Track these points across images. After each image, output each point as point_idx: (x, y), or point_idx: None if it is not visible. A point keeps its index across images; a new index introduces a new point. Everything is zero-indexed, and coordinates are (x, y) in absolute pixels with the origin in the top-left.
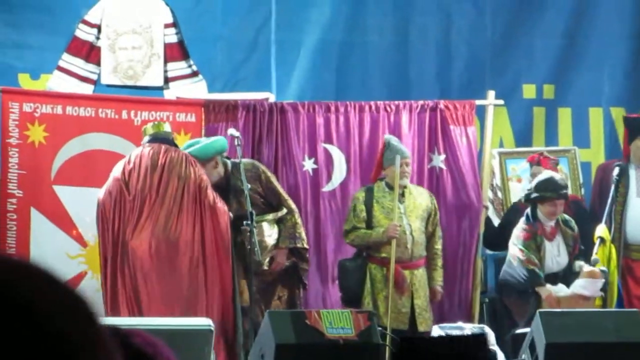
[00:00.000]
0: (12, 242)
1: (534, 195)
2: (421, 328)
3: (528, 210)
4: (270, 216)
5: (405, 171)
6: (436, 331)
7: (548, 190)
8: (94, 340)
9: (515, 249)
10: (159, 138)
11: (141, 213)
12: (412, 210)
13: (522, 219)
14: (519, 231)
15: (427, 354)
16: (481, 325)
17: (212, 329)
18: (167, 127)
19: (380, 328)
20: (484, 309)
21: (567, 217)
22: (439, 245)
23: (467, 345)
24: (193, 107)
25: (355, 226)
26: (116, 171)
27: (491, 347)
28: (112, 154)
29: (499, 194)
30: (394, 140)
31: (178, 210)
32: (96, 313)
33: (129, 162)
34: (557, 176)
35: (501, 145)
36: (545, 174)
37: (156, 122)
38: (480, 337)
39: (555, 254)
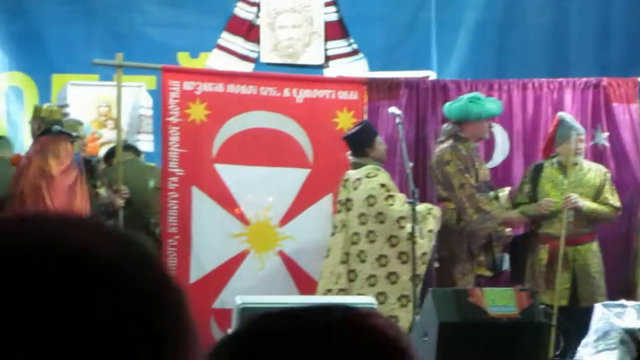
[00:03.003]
0: (173, 221)
1: None
2: (584, 304)
3: None
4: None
5: (579, 147)
6: (599, 309)
7: None
8: (174, 304)
9: None
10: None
11: None
12: (577, 186)
13: None
14: None
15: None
16: None
17: (375, 306)
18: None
19: (542, 306)
20: None
21: None
22: (606, 209)
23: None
24: (355, 85)
25: (520, 202)
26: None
27: None
28: (273, 131)
29: None
30: (567, 117)
31: None
32: (171, 277)
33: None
34: None
35: None
36: None
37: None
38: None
39: None
